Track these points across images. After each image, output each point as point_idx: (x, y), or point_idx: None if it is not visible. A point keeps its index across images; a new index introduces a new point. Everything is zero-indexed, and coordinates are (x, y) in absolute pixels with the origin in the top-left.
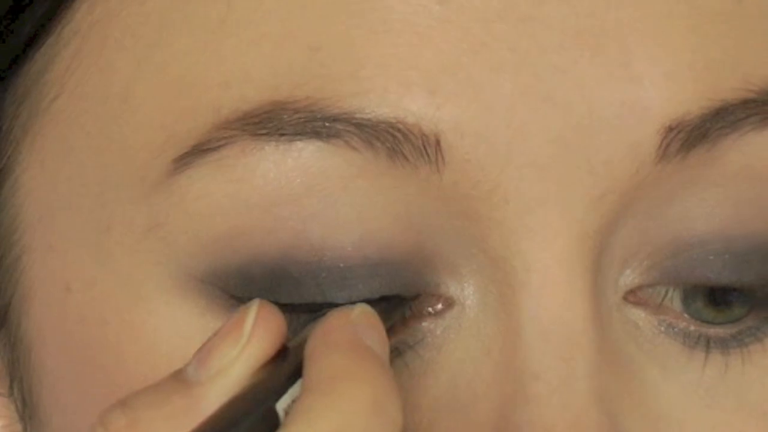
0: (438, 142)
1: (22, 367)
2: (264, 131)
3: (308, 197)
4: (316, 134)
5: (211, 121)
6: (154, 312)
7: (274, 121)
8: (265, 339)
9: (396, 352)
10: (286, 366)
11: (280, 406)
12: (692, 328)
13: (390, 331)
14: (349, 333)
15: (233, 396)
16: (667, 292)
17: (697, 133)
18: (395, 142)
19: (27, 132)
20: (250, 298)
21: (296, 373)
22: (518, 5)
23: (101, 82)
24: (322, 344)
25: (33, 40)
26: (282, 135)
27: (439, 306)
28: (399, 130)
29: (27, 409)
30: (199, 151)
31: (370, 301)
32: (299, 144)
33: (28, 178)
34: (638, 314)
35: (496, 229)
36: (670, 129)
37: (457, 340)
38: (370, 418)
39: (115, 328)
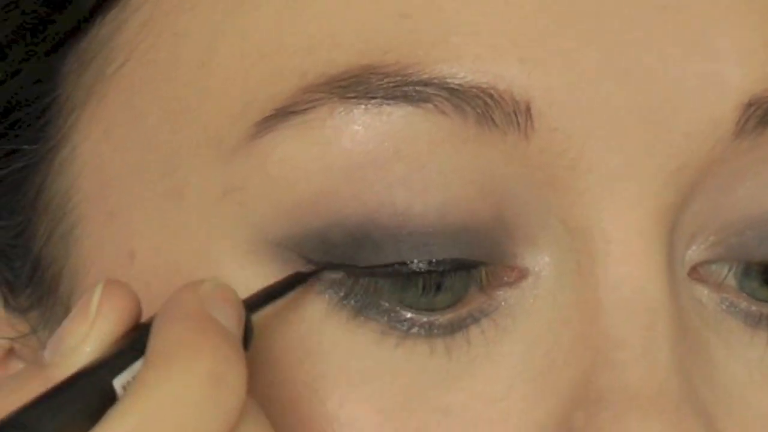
0: (528, 109)
1: None
2: (353, 95)
3: (395, 161)
4: (406, 98)
5: (296, 84)
6: (227, 276)
7: (364, 85)
8: (111, 316)
9: (472, 320)
10: (129, 341)
11: (119, 382)
12: (753, 308)
13: (463, 299)
14: (194, 305)
15: (73, 373)
16: (729, 270)
17: None
18: (486, 107)
19: (90, 99)
20: (327, 263)
21: (141, 349)
22: None
23: (175, 48)
24: (166, 317)
25: (100, 5)
26: (371, 98)
27: (514, 275)
28: (491, 96)
29: None
30: (283, 114)
31: (447, 267)
32: (388, 108)
33: (88, 147)
34: (701, 291)
35: (577, 198)
36: (749, 105)
37: (533, 309)
38: (206, 390)
39: None
